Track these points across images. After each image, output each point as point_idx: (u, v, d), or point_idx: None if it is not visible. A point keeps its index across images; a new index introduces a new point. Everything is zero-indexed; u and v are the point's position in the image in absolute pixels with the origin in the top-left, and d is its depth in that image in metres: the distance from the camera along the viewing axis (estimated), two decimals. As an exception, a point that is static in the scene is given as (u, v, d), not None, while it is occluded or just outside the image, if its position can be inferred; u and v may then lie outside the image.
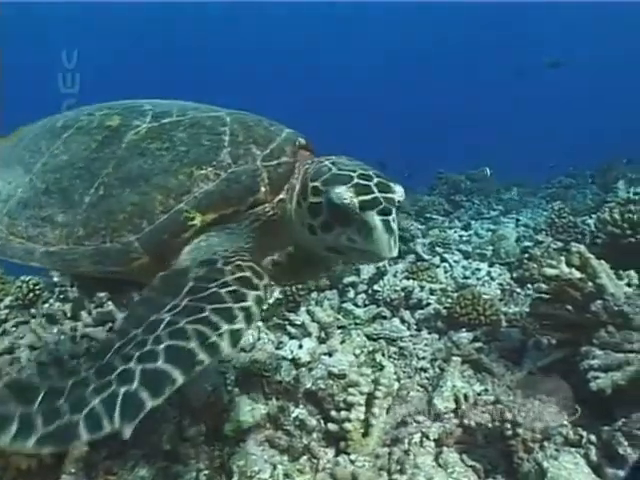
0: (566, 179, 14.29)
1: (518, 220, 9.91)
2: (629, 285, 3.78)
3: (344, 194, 1.99)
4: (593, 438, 2.91)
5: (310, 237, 2.21)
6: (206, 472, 2.77)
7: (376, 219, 1.97)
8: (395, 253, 2.00)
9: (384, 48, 51.83)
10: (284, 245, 2.61)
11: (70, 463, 2.56)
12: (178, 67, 50.30)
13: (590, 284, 3.49)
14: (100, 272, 2.22)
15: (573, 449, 2.87)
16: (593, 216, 7.58)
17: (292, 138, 2.44)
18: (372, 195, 2.01)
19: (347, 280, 5.50)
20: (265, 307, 4.60)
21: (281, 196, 2.33)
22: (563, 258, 3.72)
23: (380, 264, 5.82)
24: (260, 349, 3.86)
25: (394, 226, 2.00)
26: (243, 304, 1.75)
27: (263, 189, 2.25)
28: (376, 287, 5.28)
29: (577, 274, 3.56)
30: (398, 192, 2.09)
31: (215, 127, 2.38)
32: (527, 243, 7.55)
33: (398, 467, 2.87)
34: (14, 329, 4.46)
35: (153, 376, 1.50)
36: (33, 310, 4.72)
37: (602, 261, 3.65)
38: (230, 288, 1.80)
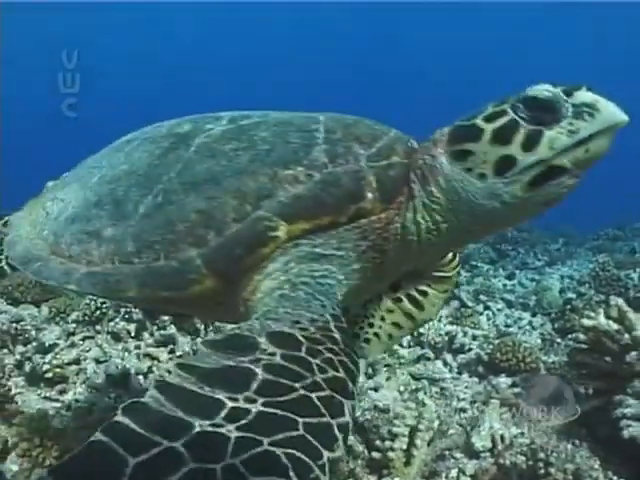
0: (613, 231, 14.38)
1: (568, 276, 10.06)
2: None
3: (545, 86, 1.74)
4: (625, 482, 3.15)
5: (503, 186, 1.77)
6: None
7: (591, 94, 1.71)
8: (627, 117, 1.71)
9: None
10: (402, 277, 2.32)
11: None
12: (178, 67, 51.21)
13: (627, 336, 3.72)
14: (149, 299, 1.92)
15: (603, 492, 3.11)
16: (637, 270, 7.74)
17: (403, 137, 2.05)
18: (570, 84, 1.75)
19: None
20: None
21: (394, 209, 1.90)
22: (601, 310, 3.98)
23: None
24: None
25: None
26: (341, 420, 1.16)
27: (370, 195, 1.82)
28: (421, 330, 5.53)
29: (614, 326, 3.79)
30: None
31: (306, 124, 2.02)
32: (570, 295, 7.75)
33: (436, 497, 3.15)
34: (81, 342, 4.80)
35: None
36: (99, 327, 5.08)
37: (640, 315, 3.90)
38: (323, 393, 1.20)
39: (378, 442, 3.37)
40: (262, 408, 1.11)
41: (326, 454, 1.05)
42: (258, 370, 1.20)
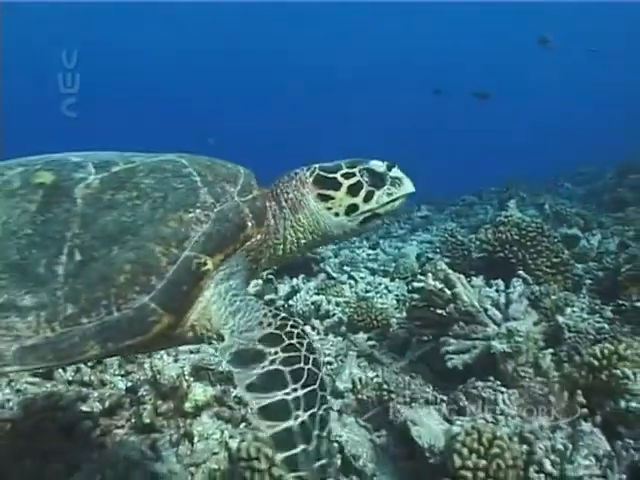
0: (470, 197, 16.11)
1: (427, 242, 11.46)
2: (497, 291, 5.25)
3: (379, 162, 2.71)
4: (445, 398, 4.46)
5: (347, 222, 2.69)
6: (176, 436, 4.05)
7: (400, 171, 2.75)
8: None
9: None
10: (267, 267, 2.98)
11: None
12: (177, 67, 50.32)
13: (448, 292, 5.03)
14: (112, 351, 2.07)
15: (431, 406, 4.38)
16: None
17: (250, 173, 2.67)
18: (388, 161, 2.74)
19: (267, 297, 6.87)
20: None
21: (263, 231, 2.55)
22: (430, 273, 5.30)
23: (294, 282, 7.39)
24: (204, 352, 5.22)
25: None
26: (324, 374, 2.15)
27: (249, 224, 2.38)
28: (291, 302, 6.77)
29: (439, 285, 5.11)
30: None
31: (178, 170, 2.40)
32: (424, 260, 9.14)
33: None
34: None
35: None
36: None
37: (461, 275, 5.21)
38: (311, 363, 2.07)
39: (262, 392, 4.49)
40: (303, 392, 2.00)
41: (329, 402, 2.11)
42: (280, 367, 2.04)
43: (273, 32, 50.86)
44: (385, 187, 2.69)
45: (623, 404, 3.85)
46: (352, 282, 8.35)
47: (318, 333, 6.21)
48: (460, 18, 47.34)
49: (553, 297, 5.86)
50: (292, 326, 2.17)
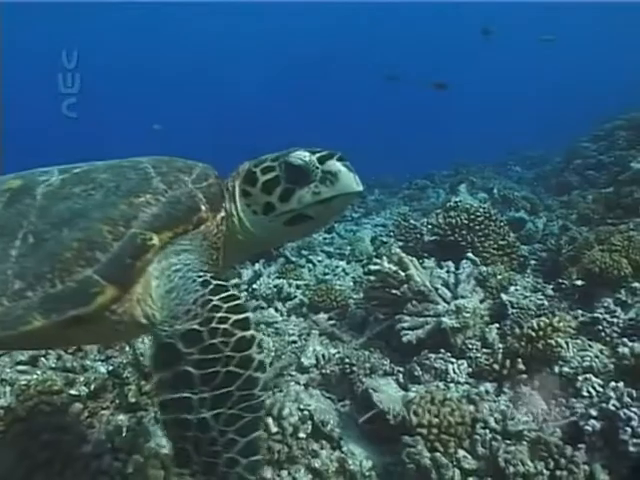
0: (422, 181, 16.66)
1: (381, 225, 11.97)
2: (447, 272, 5.78)
3: (303, 154, 2.34)
4: (401, 369, 5.02)
5: (268, 222, 2.47)
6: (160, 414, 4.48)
7: (338, 164, 2.32)
8: (362, 187, 2.37)
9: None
10: (234, 259, 2.92)
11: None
12: (177, 67, 49.80)
13: (402, 274, 5.56)
14: (55, 326, 2.07)
15: (389, 376, 4.94)
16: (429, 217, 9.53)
17: (210, 167, 2.64)
18: (325, 151, 2.38)
19: (232, 282, 7.27)
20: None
21: (222, 214, 2.51)
22: (384, 257, 5.84)
23: (256, 267, 7.85)
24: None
25: (352, 168, 2.36)
26: (254, 371, 1.94)
27: (203, 207, 2.37)
28: (254, 286, 7.24)
29: (393, 267, 5.65)
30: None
31: (135, 165, 2.48)
32: (378, 243, 9.63)
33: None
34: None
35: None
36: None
37: (413, 257, 5.77)
38: (233, 364, 1.92)
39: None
40: (209, 395, 1.89)
41: (257, 392, 1.93)
42: (192, 369, 1.93)
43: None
44: (312, 185, 2.37)
45: (557, 369, 4.50)
46: (310, 266, 8.82)
47: (281, 314, 6.71)
48: (411, 13, 47.96)
49: (499, 277, 6.38)
50: (220, 320, 2.00)
